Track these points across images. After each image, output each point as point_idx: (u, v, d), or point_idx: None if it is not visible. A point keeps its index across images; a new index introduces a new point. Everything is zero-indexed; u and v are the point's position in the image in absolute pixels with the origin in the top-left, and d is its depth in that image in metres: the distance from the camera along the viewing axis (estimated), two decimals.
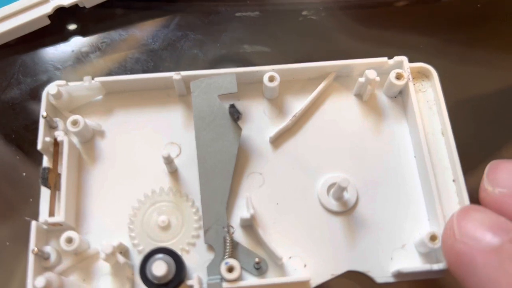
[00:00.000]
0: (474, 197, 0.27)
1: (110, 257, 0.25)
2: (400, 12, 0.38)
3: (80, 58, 0.35)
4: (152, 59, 0.35)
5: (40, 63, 0.35)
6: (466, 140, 0.32)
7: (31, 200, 0.30)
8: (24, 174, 0.31)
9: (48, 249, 0.26)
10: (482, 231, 0.20)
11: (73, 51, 0.36)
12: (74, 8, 0.36)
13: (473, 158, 0.33)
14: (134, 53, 0.35)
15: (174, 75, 0.29)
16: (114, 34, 0.37)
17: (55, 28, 0.36)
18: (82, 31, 0.37)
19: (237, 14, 0.37)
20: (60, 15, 0.36)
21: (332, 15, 0.38)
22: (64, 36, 0.36)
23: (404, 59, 0.30)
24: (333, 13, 0.38)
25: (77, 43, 0.36)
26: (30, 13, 0.35)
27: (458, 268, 0.20)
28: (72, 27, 0.37)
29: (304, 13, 0.37)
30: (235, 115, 0.28)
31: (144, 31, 0.37)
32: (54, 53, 0.36)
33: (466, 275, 0.20)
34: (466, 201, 0.27)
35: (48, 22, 0.36)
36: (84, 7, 0.36)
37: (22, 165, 0.32)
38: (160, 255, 0.25)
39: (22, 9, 0.35)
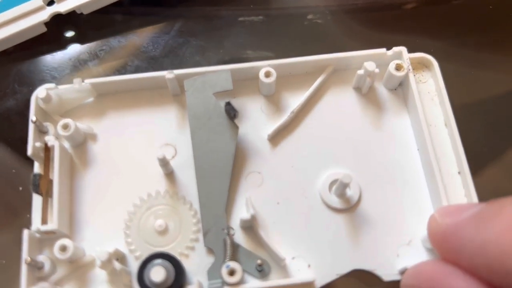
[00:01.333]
0: (480, 191, 0.27)
1: (106, 264, 0.24)
2: (409, 15, 0.37)
3: (78, 66, 0.34)
4: (153, 67, 0.34)
5: (36, 72, 0.34)
6: (475, 143, 0.31)
7: (28, 216, 0.28)
8: (20, 188, 0.29)
9: (41, 258, 0.25)
10: (459, 209, 0.22)
11: (70, 59, 0.35)
12: (72, 14, 0.34)
13: (481, 161, 0.32)
14: (134, 61, 0.34)
15: (167, 74, 0.28)
16: (113, 41, 0.35)
17: (52, 35, 0.35)
18: (80, 38, 0.35)
19: (240, 19, 0.36)
20: (57, 22, 0.34)
21: (339, 19, 0.37)
22: (62, 44, 0.35)
23: (403, 49, 0.29)
24: (340, 17, 0.37)
25: (75, 50, 0.35)
26: (26, 21, 0.33)
27: (445, 244, 0.21)
28: (69, 34, 0.36)
29: (310, 17, 0.36)
30: (232, 113, 0.27)
31: (144, 38, 0.35)
32: (51, 62, 0.35)
33: (453, 248, 0.21)
34: (473, 192, 0.26)
35: (44, 29, 0.34)
36: (81, 14, 0.35)
37: (18, 179, 0.30)
38: (158, 261, 0.24)
39: (18, 17, 0.33)
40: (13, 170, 0.31)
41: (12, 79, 0.34)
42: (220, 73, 0.28)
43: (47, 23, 0.34)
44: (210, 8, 0.37)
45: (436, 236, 0.22)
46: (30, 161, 0.27)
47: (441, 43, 0.35)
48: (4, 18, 0.33)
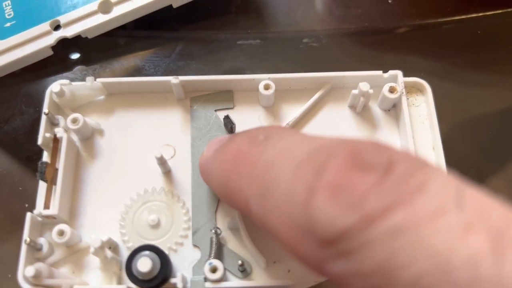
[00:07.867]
0: None
1: (99, 251, 0.26)
2: (401, 38, 0.39)
3: None
4: None
5: (43, 93, 0.34)
6: (464, 164, 0.32)
7: None
8: (26, 205, 0.30)
9: (41, 240, 0.27)
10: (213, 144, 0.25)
11: (76, 80, 0.36)
12: (77, 38, 0.35)
13: (470, 179, 0.33)
14: None
15: (172, 79, 0.30)
16: (116, 64, 0.37)
17: (58, 58, 0.36)
18: (85, 61, 0.37)
19: (239, 42, 0.38)
20: (63, 45, 0.36)
21: (333, 42, 0.38)
22: (67, 66, 0.37)
23: (399, 73, 0.30)
24: (334, 40, 0.38)
25: (80, 72, 0.36)
26: (33, 45, 0.34)
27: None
28: (74, 56, 0.37)
29: (305, 40, 0.38)
30: (229, 125, 0.29)
31: (146, 61, 0.37)
32: None
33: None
34: None
35: (51, 52, 0.35)
36: (86, 37, 0.36)
37: (24, 197, 0.32)
38: (146, 252, 0.26)
39: (25, 41, 0.34)
40: (20, 188, 0.32)
41: (19, 100, 0.35)
42: (223, 93, 0.31)
43: (53, 47, 0.35)
44: (209, 31, 0.38)
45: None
46: (36, 181, 0.28)
47: (432, 64, 0.37)
48: (13, 42, 0.34)
